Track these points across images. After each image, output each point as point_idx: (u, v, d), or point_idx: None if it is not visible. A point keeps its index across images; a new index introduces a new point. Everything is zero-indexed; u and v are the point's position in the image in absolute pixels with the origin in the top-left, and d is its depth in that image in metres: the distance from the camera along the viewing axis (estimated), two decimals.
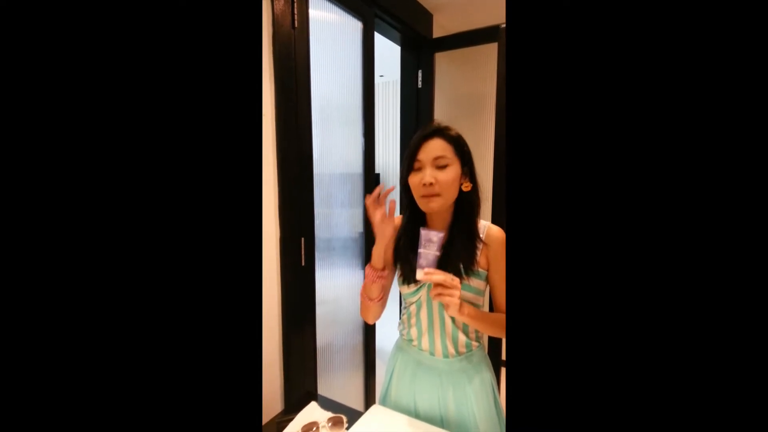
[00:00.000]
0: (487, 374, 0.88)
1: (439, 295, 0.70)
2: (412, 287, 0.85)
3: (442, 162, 0.77)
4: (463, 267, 0.80)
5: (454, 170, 0.78)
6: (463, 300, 0.81)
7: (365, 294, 0.86)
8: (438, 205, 0.79)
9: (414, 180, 0.80)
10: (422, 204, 0.80)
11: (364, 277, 0.85)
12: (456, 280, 0.70)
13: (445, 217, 0.84)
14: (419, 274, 0.71)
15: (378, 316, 0.90)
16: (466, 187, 0.81)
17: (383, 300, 0.88)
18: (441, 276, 0.69)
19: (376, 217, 0.79)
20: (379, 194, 0.79)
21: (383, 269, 0.82)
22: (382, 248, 0.81)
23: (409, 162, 0.81)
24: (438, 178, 0.77)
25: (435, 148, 0.78)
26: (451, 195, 0.80)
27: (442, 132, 0.79)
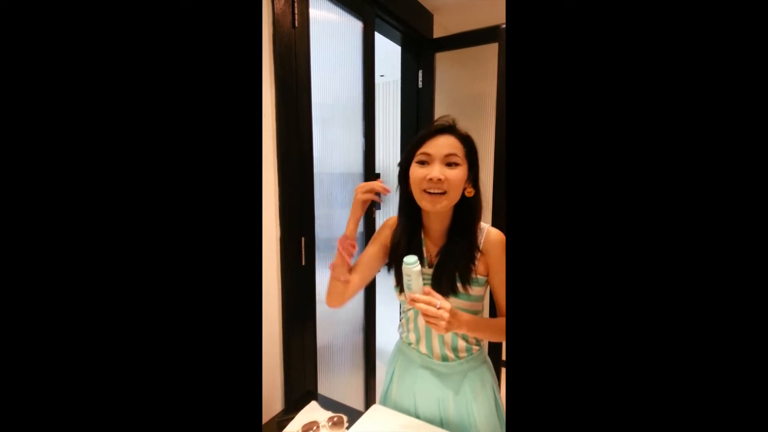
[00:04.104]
0: (488, 376, 0.88)
1: (427, 322, 0.68)
2: None
3: (452, 160, 0.74)
4: (460, 276, 0.78)
5: (462, 171, 0.75)
6: (461, 309, 0.79)
7: (334, 274, 0.81)
8: (443, 206, 0.75)
9: (418, 173, 0.75)
10: (424, 200, 0.75)
11: (336, 254, 0.81)
12: (443, 305, 0.67)
13: (444, 222, 0.81)
14: (407, 298, 0.71)
15: (341, 302, 0.84)
16: (469, 192, 0.77)
17: (349, 286, 0.84)
18: (425, 305, 0.66)
19: (363, 195, 0.78)
20: (376, 192, 0.79)
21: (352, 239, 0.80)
22: (357, 221, 0.80)
23: (413, 152, 0.77)
24: (447, 175, 0.73)
25: (447, 144, 0.74)
26: (456, 196, 0.76)
27: (455, 130, 0.77)
